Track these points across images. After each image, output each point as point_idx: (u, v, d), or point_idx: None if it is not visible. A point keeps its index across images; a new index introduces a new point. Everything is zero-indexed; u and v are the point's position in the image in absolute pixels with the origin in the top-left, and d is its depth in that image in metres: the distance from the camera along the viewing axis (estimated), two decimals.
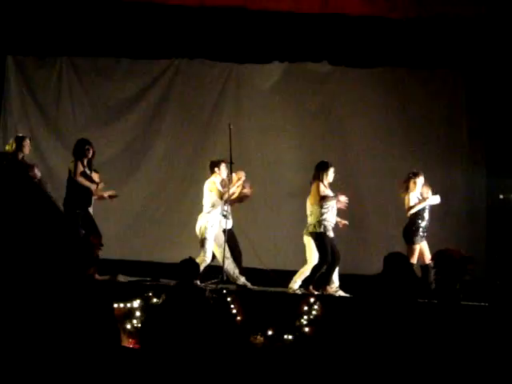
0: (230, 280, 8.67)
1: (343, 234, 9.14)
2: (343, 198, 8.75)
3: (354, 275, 9.02)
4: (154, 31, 10.37)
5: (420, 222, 8.61)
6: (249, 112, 10.73)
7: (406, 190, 8.70)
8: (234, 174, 8.85)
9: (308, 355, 6.69)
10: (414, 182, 8.67)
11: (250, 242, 9.17)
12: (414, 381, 4.52)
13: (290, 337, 7.49)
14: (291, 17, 9.99)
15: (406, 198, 8.70)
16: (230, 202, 8.90)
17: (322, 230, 8.55)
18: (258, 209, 10.33)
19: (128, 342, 7.04)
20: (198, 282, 7.28)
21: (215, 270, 8.78)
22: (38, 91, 10.87)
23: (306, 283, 8.56)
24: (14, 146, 8.73)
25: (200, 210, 8.98)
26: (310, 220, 8.68)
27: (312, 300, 7.83)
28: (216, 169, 8.96)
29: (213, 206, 8.83)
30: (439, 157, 10.39)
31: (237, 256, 8.95)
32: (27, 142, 8.87)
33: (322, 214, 8.57)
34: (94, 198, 8.92)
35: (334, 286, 8.66)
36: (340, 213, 8.99)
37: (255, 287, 8.70)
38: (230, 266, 8.69)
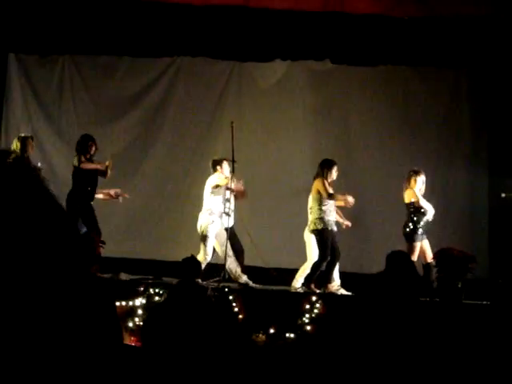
0: (232, 278, 8.67)
1: (345, 233, 9.14)
2: (351, 199, 8.74)
3: (356, 274, 9.03)
4: (156, 29, 10.36)
5: (417, 219, 8.59)
6: (251, 110, 10.72)
7: (407, 186, 8.72)
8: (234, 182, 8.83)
9: (310, 353, 6.70)
10: (415, 180, 8.68)
11: (252, 241, 9.18)
12: (416, 379, 4.52)
13: (292, 335, 7.50)
14: (293, 15, 9.98)
15: (405, 193, 8.70)
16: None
17: (322, 226, 8.56)
18: (260, 207, 10.33)
19: (130, 340, 7.05)
20: (200, 281, 7.28)
21: (217, 268, 8.79)
22: (39, 89, 10.87)
23: (307, 281, 8.56)
24: (18, 145, 8.75)
25: (201, 208, 8.98)
26: (311, 217, 8.69)
27: (314, 298, 7.83)
28: (218, 167, 8.94)
29: (213, 201, 8.79)
30: (441, 155, 10.39)
31: (238, 254, 8.95)
32: (31, 142, 8.89)
33: (321, 211, 8.57)
34: (99, 196, 8.94)
35: (336, 284, 8.66)
36: (341, 212, 9.00)
37: (257, 285, 8.70)
38: (232, 264, 8.69)
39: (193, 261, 5.86)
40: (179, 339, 4.93)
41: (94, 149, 8.76)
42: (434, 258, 8.31)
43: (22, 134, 9.11)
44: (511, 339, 6.77)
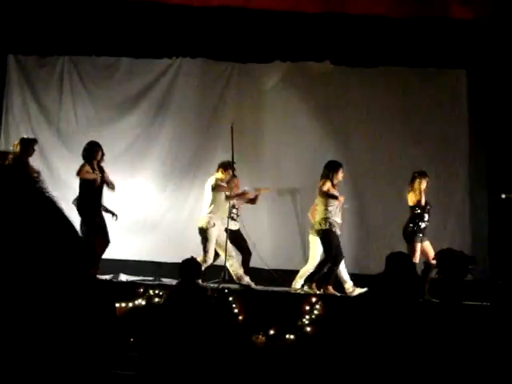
0: (234, 279, 8.66)
1: (344, 233, 9.15)
2: (342, 199, 8.79)
3: (356, 275, 9.03)
4: (155, 30, 10.35)
5: (418, 221, 8.61)
6: (250, 111, 10.71)
7: (410, 189, 8.73)
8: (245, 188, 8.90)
9: (310, 355, 6.69)
10: (419, 182, 8.68)
11: (252, 242, 9.19)
12: (416, 380, 4.51)
13: (292, 336, 7.50)
14: (293, 16, 9.98)
15: (409, 196, 8.71)
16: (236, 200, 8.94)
17: (327, 227, 8.57)
18: (260, 208, 10.32)
19: (130, 342, 7.04)
20: (200, 282, 7.28)
21: (217, 269, 8.79)
22: (39, 90, 10.86)
23: (309, 280, 8.55)
24: (18, 147, 8.68)
25: (201, 210, 8.98)
26: (316, 218, 8.70)
27: (314, 299, 7.83)
28: (222, 169, 8.91)
29: (213, 202, 8.80)
30: (441, 156, 10.38)
31: (246, 256, 8.97)
32: (33, 145, 8.87)
33: (326, 212, 8.60)
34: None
35: (350, 286, 8.63)
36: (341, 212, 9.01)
37: (259, 287, 8.69)
38: (234, 265, 8.68)
39: (193, 262, 5.87)
40: (179, 340, 4.93)
41: (100, 154, 8.73)
42: (434, 259, 8.31)
43: (25, 136, 9.07)
44: (511, 340, 6.76)
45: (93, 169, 8.61)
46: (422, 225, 8.60)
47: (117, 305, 7.22)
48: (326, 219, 8.59)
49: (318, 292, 8.37)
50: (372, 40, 10.17)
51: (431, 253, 8.57)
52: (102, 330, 1.27)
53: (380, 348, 4.46)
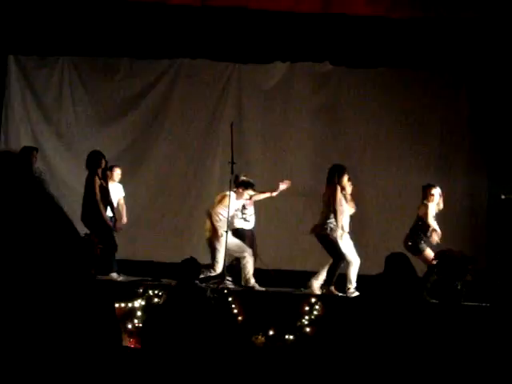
0: (242, 280, 8.62)
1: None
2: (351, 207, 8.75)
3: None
4: (155, 31, 10.35)
5: (420, 235, 8.62)
6: (250, 112, 10.72)
7: (423, 201, 8.69)
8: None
9: (309, 355, 6.69)
10: (431, 193, 8.65)
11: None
12: (415, 381, 4.52)
13: (291, 337, 7.49)
14: (293, 17, 9.98)
15: (420, 207, 8.68)
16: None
17: (325, 232, 8.44)
18: (260, 209, 10.32)
19: (129, 342, 7.05)
20: (199, 282, 7.28)
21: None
22: (39, 91, 10.87)
23: (327, 284, 8.43)
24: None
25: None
26: (319, 221, 8.56)
27: (313, 300, 7.83)
28: (241, 189, 8.82)
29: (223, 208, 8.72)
30: (440, 157, 10.39)
31: (254, 257, 8.99)
32: (35, 154, 8.92)
33: (329, 217, 8.46)
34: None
35: (352, 288, 8.57)
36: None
37: (263, 289, 8.64)
38: (248, 267, 8.61)
39: (192, 262, 5.86)
40: (178, 341, 4.93)
41: (104, 163, 8.78)
42: (434, 260, 8.32)
43: (25, 145, 9.13)
44: (510, 341, 6.77)
45: (98, 177, 8.66)
46: (423, 240, 8.60)
47: (116, 305, 7.23)
48: (325, 224, 8.45)
49: (339, 294, 8.31)
50: (372, 41, 10.18)
51: (432, 255, 8.57)
52: (102, 330, 1.28)
53: (379, 348, 4.47)
